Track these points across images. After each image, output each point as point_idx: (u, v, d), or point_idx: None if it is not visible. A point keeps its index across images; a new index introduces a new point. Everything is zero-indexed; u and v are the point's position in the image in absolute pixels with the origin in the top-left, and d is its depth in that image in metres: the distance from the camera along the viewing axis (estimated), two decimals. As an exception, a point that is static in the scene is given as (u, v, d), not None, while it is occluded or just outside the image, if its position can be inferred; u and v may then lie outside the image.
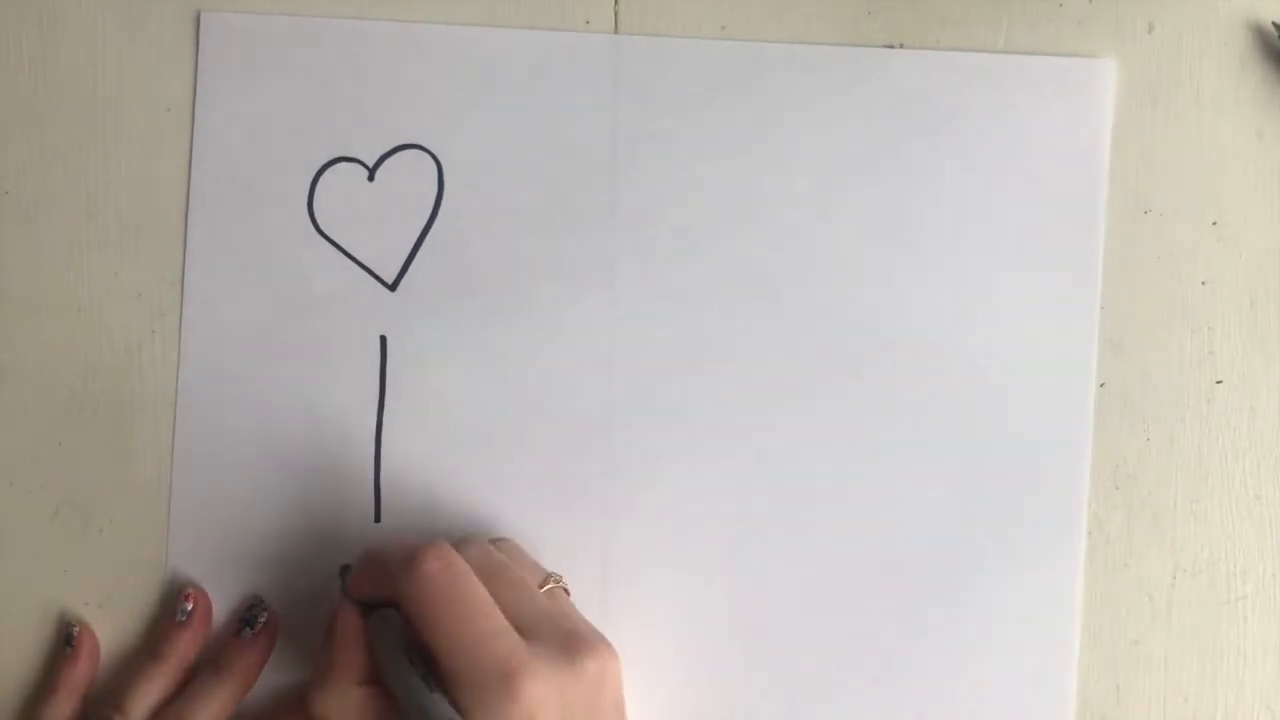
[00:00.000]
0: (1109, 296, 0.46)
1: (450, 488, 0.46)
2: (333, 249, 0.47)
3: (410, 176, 0.47)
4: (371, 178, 0.47)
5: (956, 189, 0.46)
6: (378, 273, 0.47)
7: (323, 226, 0.47)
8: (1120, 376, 0.46)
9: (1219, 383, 0.46)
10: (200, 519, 0.46)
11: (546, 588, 0.42)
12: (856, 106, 0.46)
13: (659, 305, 0.46)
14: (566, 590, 0.43)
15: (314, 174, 0.47)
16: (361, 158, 0.47)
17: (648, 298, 0.46)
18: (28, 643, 0.47)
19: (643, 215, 0.46)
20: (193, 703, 0.44)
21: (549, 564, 0.45)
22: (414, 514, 0.46)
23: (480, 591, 0.39)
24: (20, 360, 0.47)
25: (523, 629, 0.39)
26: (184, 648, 0.45)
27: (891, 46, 0.46)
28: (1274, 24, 0.46)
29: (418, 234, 0.47)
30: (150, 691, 0.44)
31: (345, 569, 0.45)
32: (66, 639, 0.46)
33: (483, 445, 0.46)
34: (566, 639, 0.39)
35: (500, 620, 0.39)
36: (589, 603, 0.45)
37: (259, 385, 0.47)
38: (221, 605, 0.46)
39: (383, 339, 0.47)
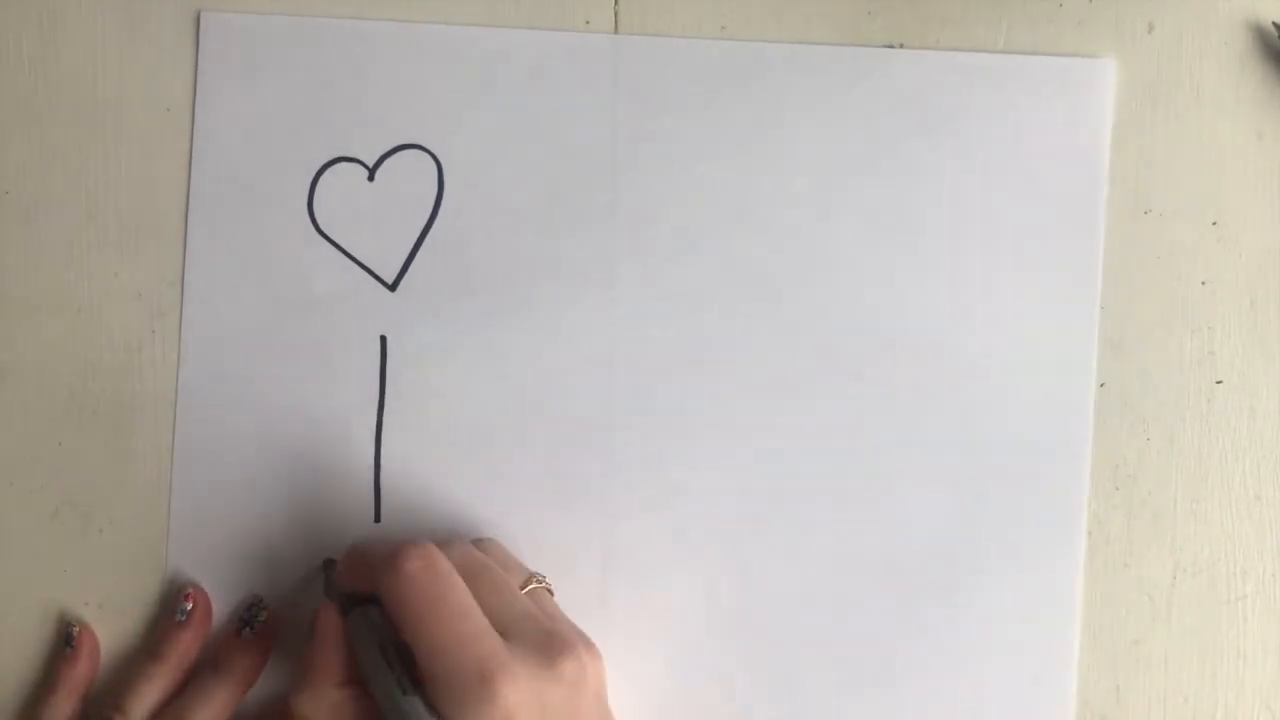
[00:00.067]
0: (1109, 296, 0.46)
1: (450, 488, 0.46)
2: (333, 249, 0.47)
3: (410, 176, 0.47)
4: (371, 178, 0.47)
5: (956, 189, 0.46)
6: (378, 273, 0.47)
7: (323, 226, 0.47)
8: (1120, 376, 0.46)
9: (1219, 383, 0.46)
10: (200, 519, 0.46)
11: (529, 588, 0.42)
12: (856, 106, 0.46)
13: (659, 305, 0.46)
14: (550, 590, 0.43)
15: (314, 174, 0.47)
16: (361, 158, 0.47)
17: (648, 298, 0.46)
18: (28, 643, 0.47)
19: (643, 215, 0.46)
20: (193, 702, 0.44)
21: (549, 564, 0.45)
22: (414, 514, 0.46)
23: (461, 592, 0.39)
24: (20, 360, 0.47)
25: (503, 630, 0.39)
26: (184, 648, 0.45)
27: (891, 46, 0.46)
28: (1274, 24, 0.46)
29: (418, 234, 0.47)
30: (150, 691, 0.44)
31: (329, 563, 0.45)
32: (66, 639, 0.46)
33: (483, 445, 0.46)
34: (546, 640, 0.39)
35: (480, 622, 0.39)
36: (589, 603, 0.45)
37: (259, 385, 0.47)
38: (221, 605, 0.46)
39: (383, 339, 0.47)
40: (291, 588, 0.46)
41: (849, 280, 0.46)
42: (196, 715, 0.44)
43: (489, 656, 0.38)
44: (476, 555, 0.42)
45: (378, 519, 0.46)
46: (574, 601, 0.45)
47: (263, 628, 0.45)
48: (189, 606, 0.45)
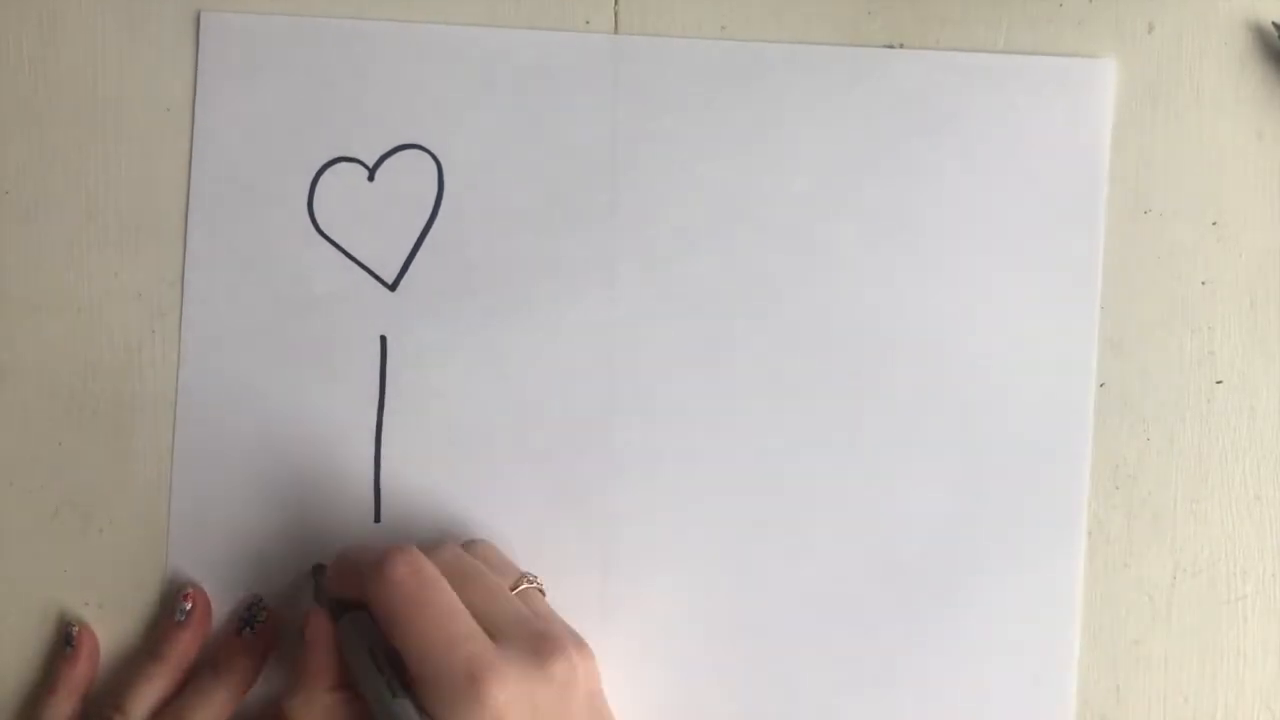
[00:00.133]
0: (1109, 296, 0.46)
1: (450, 488, 0.46)
2: (333, 249, 0.47)
3: (410, 176, 0.47)
4: (371, 178, 0.47)
5: (956, 189, 0.46)
6: (378, 273, 0.47)
7: (323, 226, 0.47)
8: (1120, 376, 0.46)
9: (1219, 383, 0.46)
10: (200, 519, 0.46)
11: (520, 588, 0.42)
12: (856, 106, 0.46)
13: (659, 305, 0.46)
14: (542, 590, 0.43)
15: (314, 174, 0.47)
16: (361, 158, 0.47)
17: (648, 298, 0.46)
18: (28, 643, 0.47)
19: (643, 215, 0.46)
20: (192, 702, 0.44)
21: (548, 564, 0.45)
22: (414, 514, 0.46)
23: (448, 595, 0.39)
24: (20, 360, 0.47)
25: (492, 631, 0.39)
26: (183, 647, 0.45)
27: (891, 46, 0.46)
28: (1274, 24, 0.46)
29: (418, 234, 0.47)
30: (150, 691, 0.44)
31: (318, 568, 0.45)
32: (66, 639, 0.46)
33: (483, 445, 0.46)
34: (536, 640, 0.39)
35: (467, 624, 0.39)
36: (588, 603, 0.45)
37: (259, 385, 0.47)
38: (221, 605, 0.46)
39: (383, 339, 0.47)
40: (291, 588, 0.46)
41: (849, 280, 0.46)
42: (196, 715, 0.44)
43: (477, 658, 0.38)
44: (465, 558, 0.42)
45: (378, 519, 0.46)
46: (573, 601, 0.45)
47: (262, 628, 0.45)
48: (188, 607, 0.45)
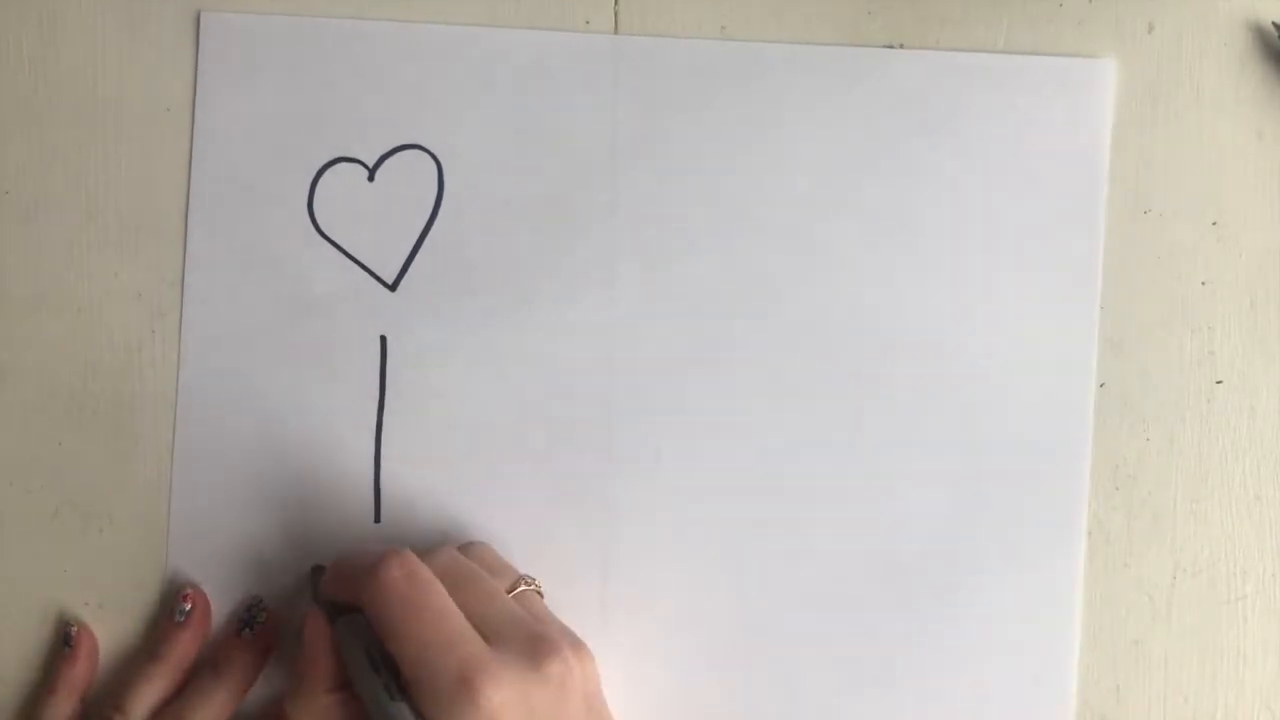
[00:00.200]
0: (1109, 296, 0.46)
1: (450, 487, 0.46)
2: (333, 249, 0.47)
3: (410, 176, 0.47)
4: (371, 178, 0.47)
5: (956, 189, 0.46)
6: (378, 273, 0.47)
7: (323, 226, 0.47)
8: (1120, 376, 0.46)
9: (1219, 383, 0.46)
10: (200, 519, 0.46)
11: (517, 590, 0.42)
12: (856, 106, 0.46)
13: (659, 305, 0.46)
14: (540, 592, 0.43)
15: (314, 174, 0.47)
16: (361, 158, 0.47)
17: (648, 298, 0.46)
18: (27, 643, 0.47)
19: (643, 215, 0.46)
20: (192, 703, 0.44)
21: (548, 564, 0.45)
22: (414, 514, 0.46)
23: (442, 598, 0.39)
24: (20, 360, 0.47)
25: (488, 634, 0.39)
26: (183, 648, 0.45)
27: (891, 46, 0.46)
28: (1274, 24, 0.46)
29: (418, 234, 0.47)
30: (150, 691, 0.44)
31: (318, 569, 0.45)
32: (65, 639, 0.46)
33: (483, 445, 0.46)
34: (531, 642, 0.39)
35: (461, 626, 0.39)
36: (588, 602, 0.45)
37: (259, 385, 0.47)
38: (221, 605, 0.46)
39: (383, 339, 0.47)
40: (291, 588, 0.46)
41: (849, 280, 0.46)
42: (196, 715, 0.44)
43: (470, 660, 0.37)
44: (460, 561, 0.41)
45: (378, 519, 0.46)
46: (573, 601, 0.45)
47: (262, 628, 0.45)
48: (188, 607, 0.45)
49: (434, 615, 0.39)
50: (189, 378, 0.47)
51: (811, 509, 0.46)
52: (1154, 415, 0.46)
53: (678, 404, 0.46)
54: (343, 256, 0.47)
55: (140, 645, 0.46)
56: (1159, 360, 0.46)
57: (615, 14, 0.47)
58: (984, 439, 0.46)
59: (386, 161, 0.47)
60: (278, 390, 0.46)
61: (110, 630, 0.46)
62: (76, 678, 0.45)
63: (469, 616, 0.39)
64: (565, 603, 0.44)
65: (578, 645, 0.40)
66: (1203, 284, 0.46)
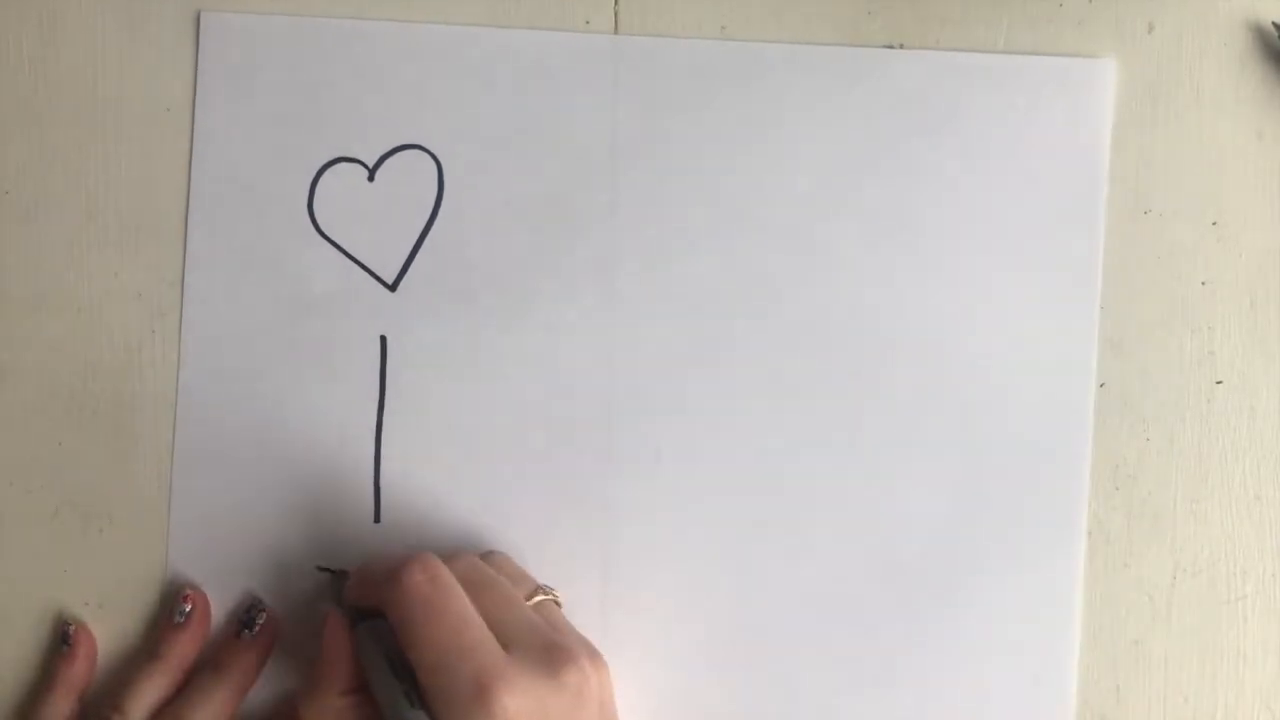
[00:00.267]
0: (1109, 296, 0.46)
1: (450, 488, 0.46)
2: (333, 249, 0.47)
3: (410, 176, 0.47)
4: (371, 178, 0.47)
5: (956, 189, 0.46)
6: (378, 273, 0.47)
7: (323, 226, 0.47)
8: (1120, 376, 0.46)
9: (1219, 383, 0.46)
10: (200, 519, 0.46)
11: (536, 599, 0.42)
12: (856, 106, 0.46)
13: (659, 305, 0.46)
14: (558, 602, 0.43)
15: (314, 174, 0.47)
16: (361, 158, 0.47)
17: (648, 298, 0.46)
18: (27, 642, 0.46)
19: (643, 215, 0.46)
20: (191, 703, 0.44)
21: (548, 564, 0.45)
22: (414, 514, 0.46)
23: (463, 604, 0.39)
24: (20, 360, 0.47)
25: (506, 642, 0.39)
26: (183, 648, 0.45)
27: (891, 46, 0.46)
28: (1274, 24, 0.46)
29: (418, 234, 0.47)
30: (149, 692, 0.44)
31: (339, 574, 0.45)
32: (63, 638, 0.46)
33: (483, 445, 0.46)
34: (548, 650, 0.39)
35: (481, 633, 0.39)
36: (589, 603, 0.45)
37: (259, 385, 0.47)
38: (220, 606, 0.46)
39: (383, 339, 0.47)
40: (291, 588, 0.46)
41: (849, 280, 0.46)
42: (195, 716, 0.44)
43: (488, 667, 0.38)
44: (481, 567, 0.42)
45: (377, 519, 0.46)
46: (573, 602, 0.45)
47: (262, 629, 0.45)
48: (188, 608, 0.45)
49: (454, 620, 0.39)
50: (189, 378, 0.47)
51: (811, 509, 0.46)
52: (1154, 415, 0.46)
53: (678, 404, 0.46)
54: (343, 256, 0.47)
55: (140, 645, 0.46)
56: (1159, 360, 0.46)
57: (615, 14, 0.47)
58: (984, 439, 0.46)
59: (386, 161, 0.47)
60: (278, 390, 0.46)
61: (110, 630, 0.46)
62: (75, 677, 0.45)
63: (488, 622, 0.39)
64: (565, 603, 0.44)
65: (594, 655, 0.40)
66: (1203, 284, 0.46)
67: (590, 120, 0.47)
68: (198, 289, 0.47)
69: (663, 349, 0.46)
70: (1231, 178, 0.46)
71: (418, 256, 0.47)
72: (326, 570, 0.46)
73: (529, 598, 0.42)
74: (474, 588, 0.40)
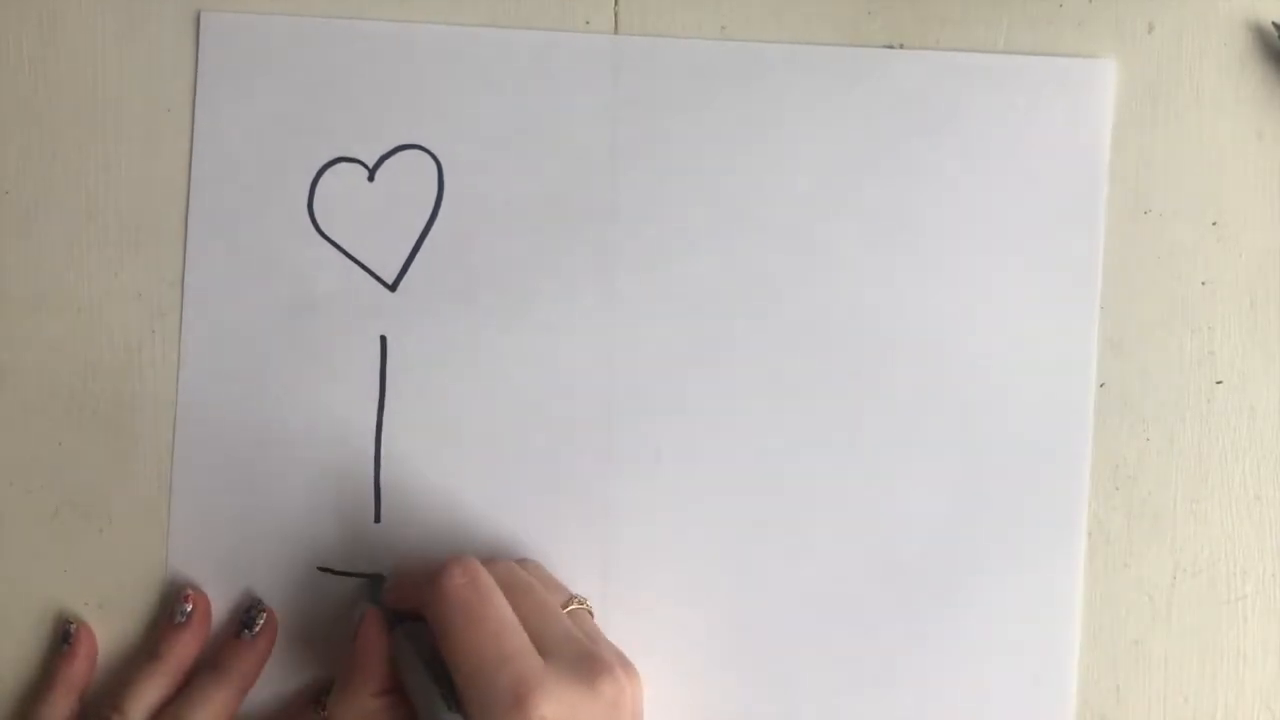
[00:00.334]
0: (1109, 296, 0.46)
1: (450, 488, 0.46)
2: (333, 249, 0.47)
3: (410, 176, 0.47)
4: (371, 178, 0.47)
5: (956, 189, 0.46)
6: (378, 273, 0.47)
7: (323, 226, 0.47)
8: (1120, 376, 0.46)
9: (1219, 383, 0.46)
10: (200, 519, 0.46)
11: (570, 608, 0.42)
12: (856, 106, 0.46)
13: (659, 305, 0.46)
14: (590, 611, 0.43)
15: (314, 174, 0.47)
16: (361, 158, 0.47)
17: (648, 297, 0.46)
18: (27, 642, 0.47)
19: (643, 215, 0.46)
20: (192, 703, 0.44)
21: (549, 565, 0.45)
22: (414, 514, 0.46)
23: (503, 609, 0.39)
24: (20, 360, 0.47)
25: (543, 649, 0.39)
26: (183, 649, 0.45)
27: (891, 46, 0.46)
28: (1274, 24, 0.46)
29: (418, 234, 0.47)
30: (149, 692, 0.44)
31: (376, 579, 0.45)
32: (64, 636, 0.46)
33: (483, 445, 0.46)
34: (585, 661, 0.39)
35: (520, 640, 0.39)
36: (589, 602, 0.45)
37: (259, 385, 0.47)
38: (221, 605, 0.46)
39: (383, 339, 0.47)
40: (291, 588, 0.46)
41: (849, 280, 0.46)
42: (196, 716, 0.44)
43: (526, 676, 0.38)
44: (520, 573, 0.42)
45: (378, 519, 0.46)
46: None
47: (262, 629, 0.45)
48: (189, 608, 0.45)
49: (494, 625, 0.39)
50: (189, 378, 0.47)
51: (811, 509, 0.46)
52: (1154, 415, 0.46)
53: (678, 404, 0.46)
54: (343, 256, 0.47)
55: (140, 645, 0.46)
56: (1159, 360, 0.46)
57: (615, 14, 0.47)
58: (984, 439, 0.46)
59: (386, 161, 0.47)
60: (278, 390, 0.46)
61: (110, 630, 0.46)
62: (75, 676, 0.45)
63: (525, 628, 0.39)
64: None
65: (628, 666, 0.40)
66: (1203, 284, 0.46)
67: (590, 120, 0.47)
68: (198, 289, 0.47)
69: (663, 349, 0.46)
70: (1231, 178, 0.46)
71: (418, 256, 0.47)
72: (328, 571, 0.46)
73: (564, 606, 0.42)
74: (512, 593, 0.40)
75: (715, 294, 0.46)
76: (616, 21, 0.47)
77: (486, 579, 0.40)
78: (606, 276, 0.46)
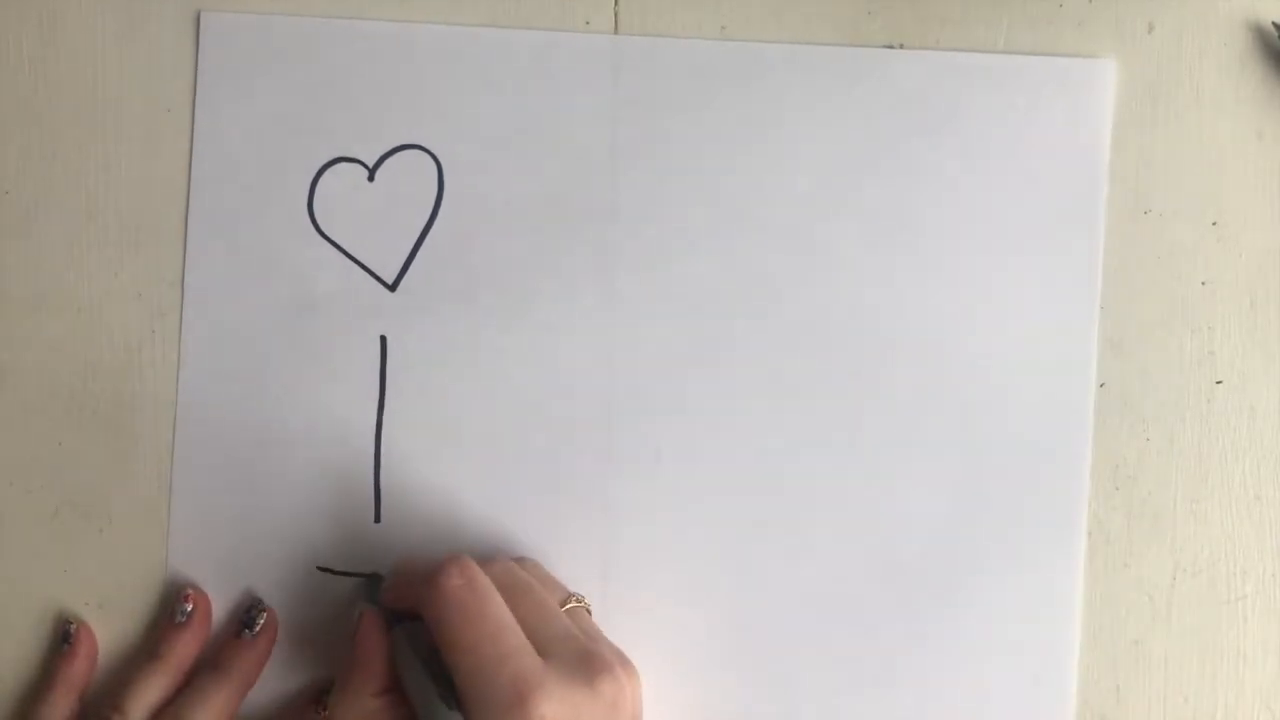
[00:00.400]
0: (1109, 296, 0.46)
1: (450, 488, 0.46)
2: (333, 249, 0.47)
3: (410, 176, 0.47)
4: (371, 178, 0.47)
5: (956, 189, 0.46)
6: (378, 273, 0.47)
7: (323, 226, 0.47)
8: (1120, 376, 0.46)
9: (1219, 383, 0.46)
10: (200, 519, 0.46)
11: (568, 607, 0.42)
12: (856, 106, 0.46)
13: (659, 305, 0.46)
14: (588, 609, 0.43)
15: (314, 174, 0.47)
16: (361, 158, 0.47)
17: (648, 297, 0.46)
18: (27, 642, 0.47)
19: (643, 215, 0.46)
20: (192, 703, 0.44)
21: (549, 564, 0.45)
22: (414, 514, 0.46)
23: (499, 608, 0.39)
24: (20, 360, 0.47)
25: (542, 648, 0.39)
26: (183, 648, 0.45)
27: (891, 46, 0.46)
28: (1274, 24, 0.46)
29: (418, 234, 0.47)
30: (149, 692, 0.44)
31: (374, 578, 0.45)
32: (64, 636, 0.46)
33: (483, 445, 0.46)
34: (585, 659, 0.39)
35: (519, 639, 0.39)
36: (589, 602, 0.45)
37: (259, 385, 0.47)
38: (221, 605, 0.46)
39: (383, 339, 0.47)
40: (291, 588, 0.46)
41: (849, 280, 0.46)
42: (196, 716, 0.44)
43: (526, 675, 0.38)
44: (518, 573, 0.42)
45: (378, 519, 0.46)
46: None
47: (262, 629, 0.45)
48: (189, 608, 0.45)
49: (492, 625, 0.39)
50: (189, 378, 0.47)
51: (811, 509, 0.46)
52: (1154, 415, 0.46)
53: (678, 404, 0.46)
54: (343, 256, 0.47)
55: (140, 645, 0.46)
56: (1159, 360, 0.46)
57: (615, 14, 0.47)
58: (984, 439, 0.46)
59: (386, 161, 0.47)
60: (278, 391, 0.46)
61: (110, 630, 0.46)
62: (75, 675, 0.45)
63: (524, 628, 0.39)
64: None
65: (627, 664, 0.40)
66: (1203, 284, 0.46)
67: (590, 120, 0.47)
68: (198, 289, 0.47)
69: (663, 349, 0.46)
70: (1231, 178, 0.46)
71: (418, 256, 0.47)
72: (327, 570, 0.46)
73: (562, 604, 0.42)
74: (510, 593, 0.40)
75: (715, 294, 0.46)
76: (616, 21, 0.47)
77: (484, 580, 0.40)
78: (606, 276, 0.46)
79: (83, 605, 0.47)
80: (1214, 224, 0.46)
